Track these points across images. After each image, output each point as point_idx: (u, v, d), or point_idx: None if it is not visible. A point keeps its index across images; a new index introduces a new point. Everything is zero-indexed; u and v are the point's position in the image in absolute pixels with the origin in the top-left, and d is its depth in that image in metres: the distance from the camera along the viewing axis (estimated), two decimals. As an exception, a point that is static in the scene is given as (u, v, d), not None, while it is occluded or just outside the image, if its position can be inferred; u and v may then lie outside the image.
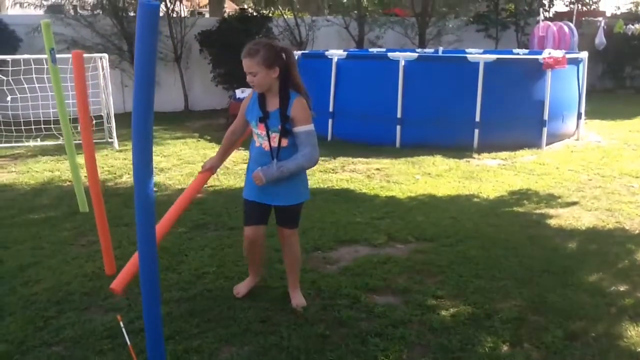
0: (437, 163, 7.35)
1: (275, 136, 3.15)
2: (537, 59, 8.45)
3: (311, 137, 3.15)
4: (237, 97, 10.62)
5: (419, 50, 11.89)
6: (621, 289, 3.68)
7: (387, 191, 6.04)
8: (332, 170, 7.05)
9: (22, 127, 8.51)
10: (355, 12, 13.50)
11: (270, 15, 13.71)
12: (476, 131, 8.16)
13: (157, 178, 6.62)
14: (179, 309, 3.41)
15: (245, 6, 15.28)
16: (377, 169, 7.07)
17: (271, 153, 3.17)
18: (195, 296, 3.60)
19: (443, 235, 4.69)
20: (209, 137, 9.35)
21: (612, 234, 4.74)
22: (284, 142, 3.16)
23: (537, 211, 5.35)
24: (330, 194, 6.00)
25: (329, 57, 8.99)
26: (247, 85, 11.91)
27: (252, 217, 3.38)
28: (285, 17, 13.55)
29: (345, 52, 9.35)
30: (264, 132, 3.17)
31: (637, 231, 4.79)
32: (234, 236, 4.58)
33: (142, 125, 2.53)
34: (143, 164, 2.59)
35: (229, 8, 19.21)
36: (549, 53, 8.78)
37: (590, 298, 3.55)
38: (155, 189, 6.09)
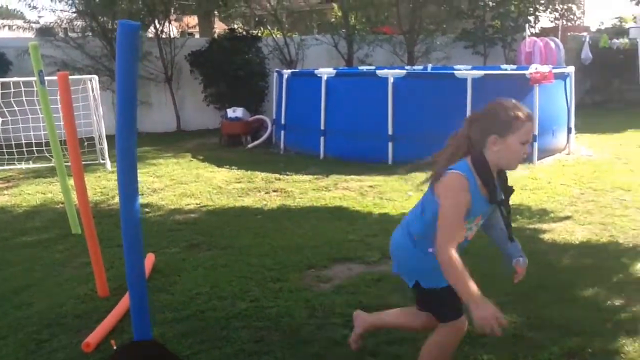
0: (429, 179, 7.33)
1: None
2: (524, 74, 8.50)
3: None
4: (229, 116, 10.66)
5: (407, 67, 11.97)
6: (617, 304, 3.67)
7: (381, 208, 6.03)
8: (325, 188, 7.04)
9: (14, 150, 8.47)
10: (344, 30, 13.60)
11: (259, 35, 13.79)
12: (467, 147, 8.17)
13: (150, 198, 6.59)
14: (172, 330, 3.37)
15: (235, 26, 15.27)
16: (370, 186, 7.07)
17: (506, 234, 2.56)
18: (189, 317, 3.56)
19: (437, 251, 4.66)
20: (201, 157, 9.32)
21: (606, 248, 4.74)
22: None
23: (530, 226, 5.35)
24: (324, 212, 5.99)
25: (319, 75, 9.03)
26: (237, 105, 12.00)
27: (460, 304, 2.44)
28: (275, 36, 13.63)
29: (335, 71, 9.39)
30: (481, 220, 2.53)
31: (630, 244, 4.79)
32: (227, 255, 4.55)
33: (126, 142, 2.52)
34: (128, 182, 2.57)
35: (219, 28, 19.31)
36: (535, 68, 8.85)
37: (586, 313, 3.54)
38: (147, 209, 6.08)
